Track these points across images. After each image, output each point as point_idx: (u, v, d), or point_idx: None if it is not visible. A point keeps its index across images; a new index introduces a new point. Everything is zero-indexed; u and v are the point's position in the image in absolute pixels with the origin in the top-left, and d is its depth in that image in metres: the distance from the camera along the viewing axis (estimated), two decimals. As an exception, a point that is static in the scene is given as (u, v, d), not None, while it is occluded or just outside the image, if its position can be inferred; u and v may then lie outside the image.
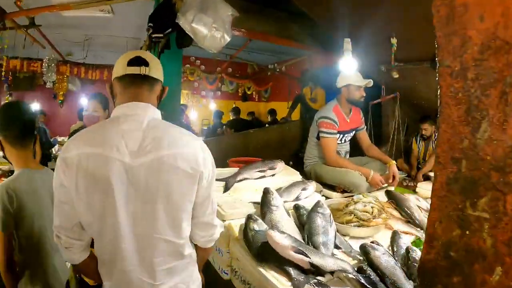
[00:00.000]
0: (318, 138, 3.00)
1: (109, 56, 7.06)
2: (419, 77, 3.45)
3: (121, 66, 1.13)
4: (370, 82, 2.85)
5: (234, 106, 7.21)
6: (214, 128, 6.72)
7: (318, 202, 1.93)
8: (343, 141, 3.05)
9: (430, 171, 3.86)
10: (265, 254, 1.56)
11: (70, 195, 1.04)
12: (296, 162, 5.83)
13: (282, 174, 2.71)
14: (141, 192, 1.05)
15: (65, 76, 6.66)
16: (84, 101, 6.93)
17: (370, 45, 3.10)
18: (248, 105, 9.19)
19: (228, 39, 2.98)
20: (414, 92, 3.95)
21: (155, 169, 1.05)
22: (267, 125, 7.30)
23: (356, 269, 1.54)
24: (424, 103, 4.12)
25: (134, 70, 1.12)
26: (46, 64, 5.96)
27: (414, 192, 3.41)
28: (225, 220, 1.94)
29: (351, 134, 3.11)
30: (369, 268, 1.55)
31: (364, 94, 2.90)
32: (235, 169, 2.69)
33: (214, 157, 1.21)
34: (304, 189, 2.32)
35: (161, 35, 3.05)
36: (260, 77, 8.87)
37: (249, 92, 8.45)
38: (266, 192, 1.99)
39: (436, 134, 3.94)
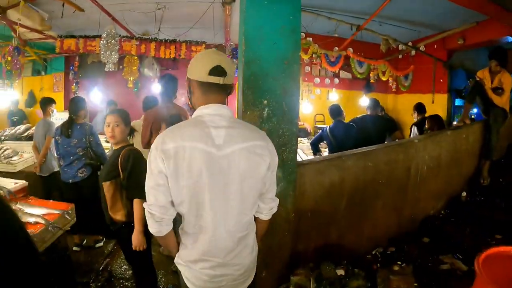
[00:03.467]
0: None
1: (191, 33, 5.39)
2: None
3: (202, 72, 1.35)
4: None
5: (371, 99, 4.80)
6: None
7: None
8: None
9: None
10: None
11: (166, 179, 1.30)
12: (472, 194, 4.00)
13: None
14: (224, 177, 1.33)
15: (133, 56, 5.09)
16: (156, 88, 5.48)
17: None
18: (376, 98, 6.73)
19: None
20: None
21: (236, 158, 1.34)
22: (414, 128, 4.82)
23: None
24: None
25: (215, 79, 1.35)
26: (104, 41, 4.46)
27: None
28: None
29: None
30: None
31: None
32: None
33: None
34: None
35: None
36: (397, 58, 6.31)
37: (383, 78, 5.98)
38: None
39: None
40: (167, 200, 1.33)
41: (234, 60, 5.30)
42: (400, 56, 6.80)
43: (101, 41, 4.57)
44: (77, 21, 5.38)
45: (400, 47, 6.52)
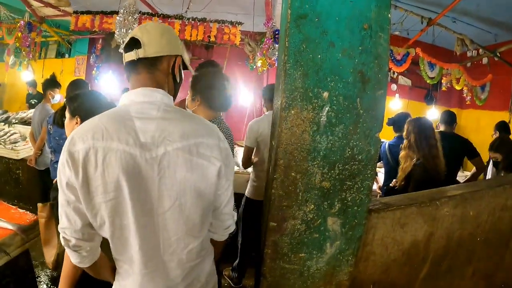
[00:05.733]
0: None
1: (225, 17, 4.41)
2: None
3: (123, 54, 1.02)
4: None
5: (447, 111, 3.54)
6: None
7: None
8: None
9: None
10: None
11: (77, 194, 0.91)
12: None
13: None
14: (154, 189, 0.92)
15: None
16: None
17: None
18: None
19: None
20: None
21: (171, 163, 0.92)
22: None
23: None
24: None
25: (129, 56, 0.99)
26: (120, 17, 3.57)
27: None
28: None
29: None
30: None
31: None
32: None
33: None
34: None
35: None
36: (464, 66, 5.01)
37: (457, 87, 4.69)
38: None
39: None
40: (84, 222, 0.93)
41: (276, 45, 4.09)
42: (468, 64, 5.48)
43: (117, 17, 3.71)
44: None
45: (469, 53, 5.27)
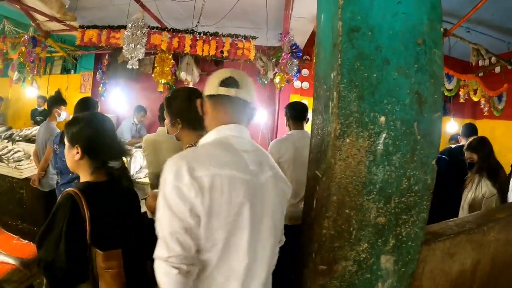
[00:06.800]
0: None
1: (236, 32, 4.27)
2: None
3: (214, 85, 1.12)
4: None
5: (468, 124, 3.42)
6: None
7: None
8: None
9: None
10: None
11: (198, 219, 0.95)
12: None
13: None
14: (261, 211, 1.04)
15: (166, 54, 3.98)
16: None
17: None
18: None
19: None
20: None
21: (269, 188, 1.08)
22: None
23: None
24: None
25: (225, 91, 1.10)
26: (129, 32, 3.45)
27: None
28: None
29: None
30: None
31: None
32: None
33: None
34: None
35: None
36: (489, 74, 4.88)
37: (475, 98, 4.56)
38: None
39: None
40: (197, 247, 0.97)
41: (294, 60, 3.94)
42: (481, 74, 5.35)
43: (125, 32, 3.61)
44: (105, 13, 4.53)
45: (481, 62, 5.15)
